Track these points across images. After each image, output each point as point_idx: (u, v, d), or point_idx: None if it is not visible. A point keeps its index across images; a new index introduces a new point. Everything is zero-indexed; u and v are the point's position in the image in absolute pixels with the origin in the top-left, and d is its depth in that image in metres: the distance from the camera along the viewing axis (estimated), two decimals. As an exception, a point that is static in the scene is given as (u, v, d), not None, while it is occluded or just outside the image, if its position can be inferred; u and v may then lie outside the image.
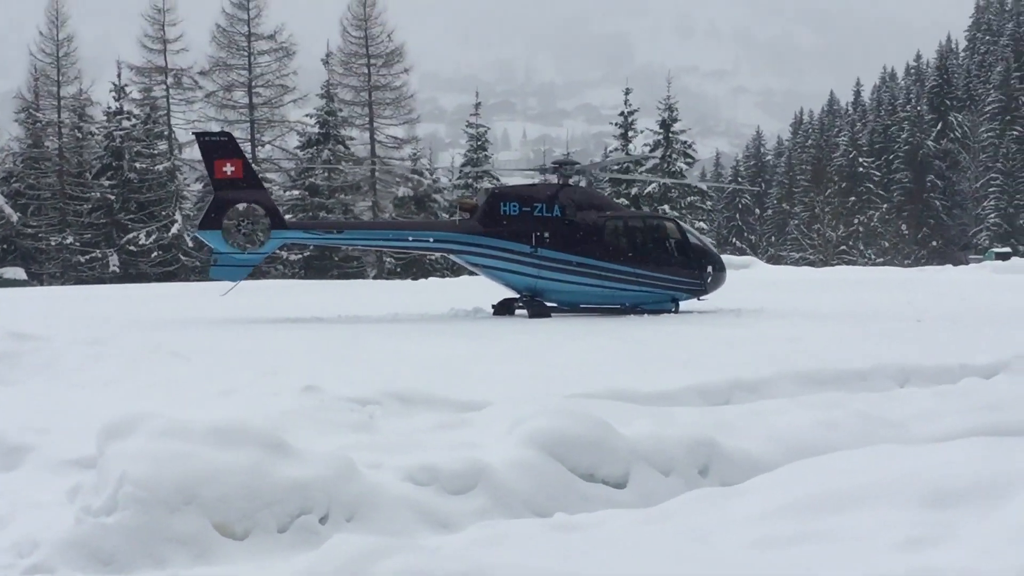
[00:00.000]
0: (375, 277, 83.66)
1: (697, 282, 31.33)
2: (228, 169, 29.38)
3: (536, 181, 33.59)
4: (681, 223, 32.83)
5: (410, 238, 31.31)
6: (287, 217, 40.76)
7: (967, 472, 6.49)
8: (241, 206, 30.05)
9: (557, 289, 30.74)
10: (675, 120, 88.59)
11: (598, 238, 30.86)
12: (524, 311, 30.74)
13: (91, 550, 7.73)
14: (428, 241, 31.18)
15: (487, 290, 36.91)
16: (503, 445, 9.50)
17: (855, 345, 19.51)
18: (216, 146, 29.84)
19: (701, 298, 31.83)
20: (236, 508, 8.07)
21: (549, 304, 30.77)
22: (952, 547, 5.70)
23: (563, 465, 9.35)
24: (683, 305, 31.60)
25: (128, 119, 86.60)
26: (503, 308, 31.14)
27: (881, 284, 47.38)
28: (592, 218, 30.99)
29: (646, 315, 29.96)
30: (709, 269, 31.51)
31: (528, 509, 8.92)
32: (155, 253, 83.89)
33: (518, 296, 31.07)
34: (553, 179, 32.45)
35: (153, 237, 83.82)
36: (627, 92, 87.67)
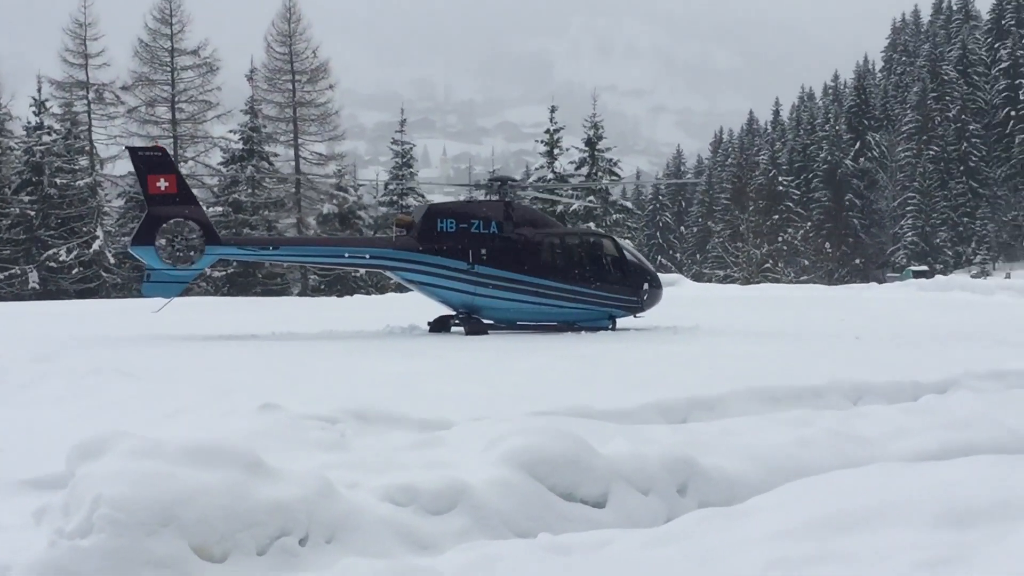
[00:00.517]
0: (299, 294, 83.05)
1: (634, 299, 31.29)
2: (162, 184, 28.97)
3: (463, 198, 33.37)
4: (618, 239, 32.79)
5: (346, 255, 31.05)
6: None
7: (981, 491, 6.40)
8: (174, 221, 29.61)
9: (494, 306, 30.58)
10: (600, 138, 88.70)
11: (536, 255, 30.75)
12: (460, 328, 30.56)
13: (66, 574, 7.43)
14: (364, 258, 30.93)
15: (417, 306, 36.78)
16: (481, 464, 9.30)
17: (803, 363, 19.53)
18: (149, 161, 29.40)
19: (638, 315, 31.78)
20: (215, 530, 7.81)
21: (486, 321, 30.61)
22: (974, 568, 5.59)
23: (543, 484, 9.17)
24: (619, 322, 31.54)
25: (48, 134, 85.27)
26: (439, 325, 30.95)
27: (809, 302, 47.69)
28: (529, 235, 30.87)
29: (583, 332, 29.91)
30: (645, 286, 31.49)
31: (509, 529, 8.73)
32: (76, 269, 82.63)
33: (454, 313, 30.87)
34: (483, 195, 32.38)
35: (74, 253, 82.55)
36: (552, 110, 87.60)
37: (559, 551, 6.94)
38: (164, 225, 29.25)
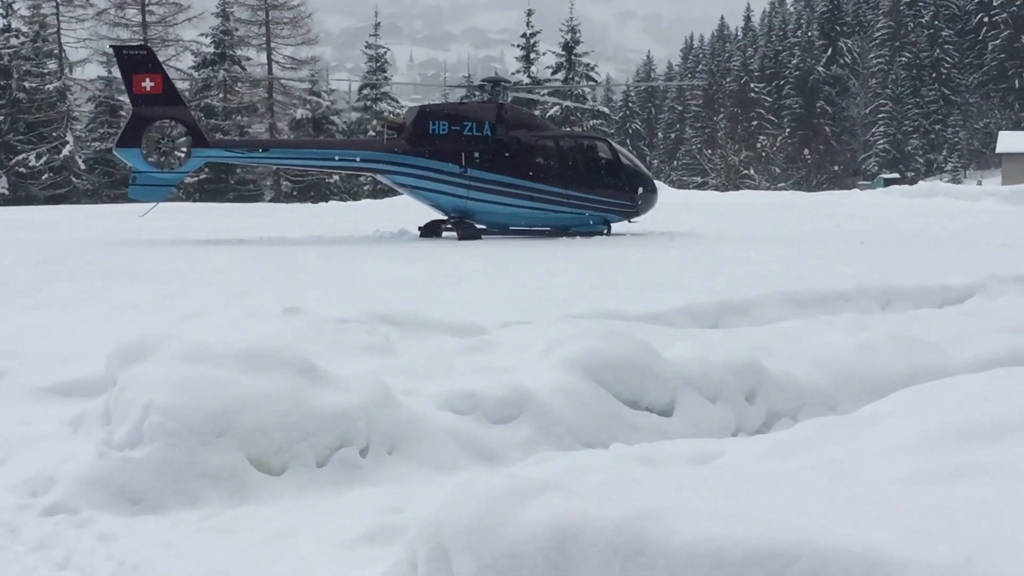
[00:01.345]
0: (272, 200, 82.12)
1: (629, 204, 30.76)
2: (147, 84, 28.15)
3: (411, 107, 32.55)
4: (613, 143, 32.17)
5: (336, 157, 30.40)
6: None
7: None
8: (161, 123, 28.88)
9: (487, 211, 30.01)
10: (578, 42, 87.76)
11: (530, 158, 30.15)
12: (452, 233, 30.02)
13: (117, 487, 6.90)
14: (355, 160, 30.24)
15: (396, 212, 36.29)
16: (542, 369, 8.76)
17: (820, 268, 19.09)
18: (134, 60, 28.53)
19: (633, 220, 31.27)
20: (273, 440, 7.31)
21: (478, 226, 30.06)
22: None
23: (608, 391, 8.68)
24: (614, 227, 31.01)
25: (16, 37, 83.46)
26: (430, 230, 30.37)
27: (795, 208, 47.23)
28: (524, 138, 30.24)
29: (578, 237, 29.39)
30: (641, 190, 30.95)
31: (575, 439, 8.25)
32: (46, 175, 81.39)
33: (446, 217, 30.30)
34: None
35: (44, 159, 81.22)
36: (529, 13, 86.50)
37: (652, 463, 6.44)
38: (150, 126, 28.52)
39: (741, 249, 23.62)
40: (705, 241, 27.14)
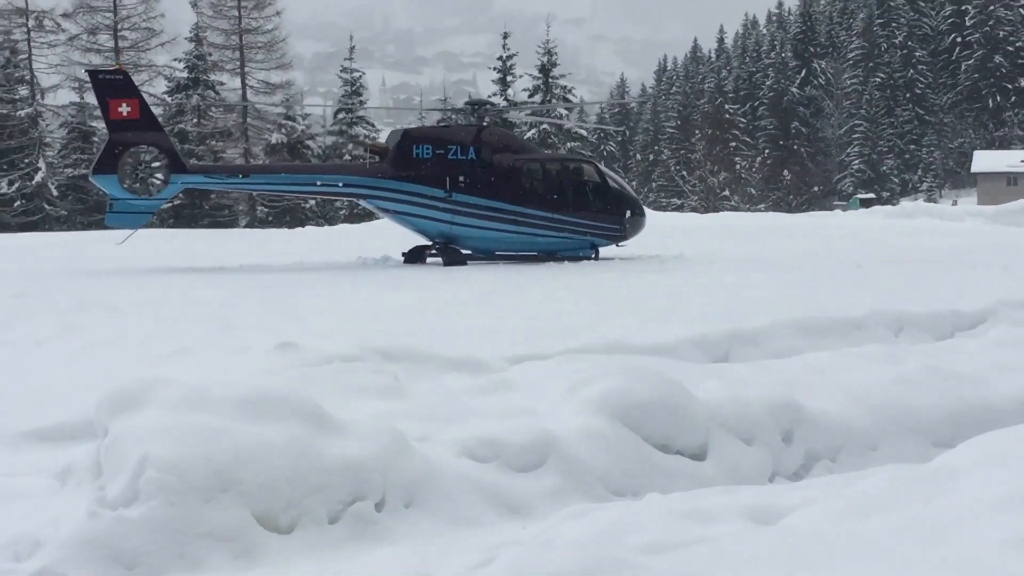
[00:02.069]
0: (247, 225, 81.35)
1: (616, 227, 30.18)
2: (124, 109, 27.45)
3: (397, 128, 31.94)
4: (600, 165, 31.60)
5: (318, 182, 29.74)
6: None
7: None
8: (138, 148, 28.14)
9: (473, 236, 29.39)
10: (554, 64, 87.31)
11: (516, 182, 29.56)
12: (437, 259, 29.41)
13: (111, 551, 6.20)
14: (337, 186, 29.56)
15: (375, 238, 35.68)
16: (568, 412, 8.09)
17: (824, 292, 18.52)
18: (110, 84, 27.84)
19: (620, 244, 30.70)
20: (280, 495, 6.63)
21: (464, 251, 29.44)
22: None
23: (637, 434, 8.02)
24: (601, 252, 30.43)
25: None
26: (414, 255, 29.72)
27: (779, 230, 46.69)
28: (509, 161, 29.64)
29: (566, 262, 28.80)
30: (628, 214, 30.37)
31: (606, 487, 7.62)
32: (17, 202, 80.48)
33: (431, 243, 29.68)
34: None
35: (15, 186, 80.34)
36: (505, 36, 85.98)
37: (702, 519, 5.82)
38: (127, 152, 27.80)
39: (736, 273, 23.07)
40: (697, 265, 26.56)
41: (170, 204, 78.81)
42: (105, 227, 30.60)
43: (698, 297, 17.83)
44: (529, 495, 7.37)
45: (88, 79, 29.78)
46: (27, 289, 17.44)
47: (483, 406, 8.42)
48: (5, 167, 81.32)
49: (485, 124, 30.57)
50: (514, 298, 18.15)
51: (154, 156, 27.90)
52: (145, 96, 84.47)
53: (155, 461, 6.41)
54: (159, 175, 27.84)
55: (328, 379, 8.99)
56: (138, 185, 27.73)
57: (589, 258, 29.82)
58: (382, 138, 34.11)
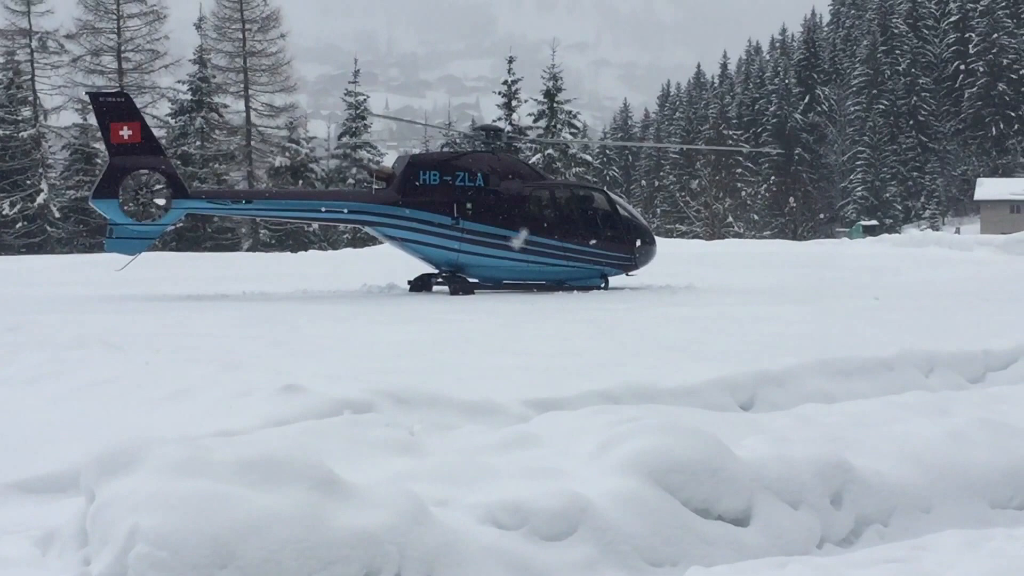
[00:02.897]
0: (250, 249, 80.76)
1: (627, 256, 29.60)
2: (125, 133, 26.88)
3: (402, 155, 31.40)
4: (609, 193, 31.01)
5: (323, 209, 29.12)
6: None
7: None
8: (139, 173, 27.55)
9: (481, 264, 28.78)
10: (560, 89, 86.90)
11: (524, 209, 28.96)
12: (443, 287, 28.83)
13: (97, 637, 5.59)
14: (342, 212, 28.96)
15: (379, 263, 35.19)
16: (600, 473, 7.38)
17: (846, 327, 17.92)
18: (112, 107, 27.27)
19: (631, 273, 30.10)
20: (286, 571, 5.93)
21: (471, 280, 28.84)
22: None
23: (675, 498, 7.36)
24: (611, 281, 29.85)
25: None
26: (420, 284, 29.13)
27: (788, 258, 46.13)
28: (518, 188, 29.06)
29: (576, 292, 28.22)
30: (639, 243, 29.79)
31: (643, 559, 6.96)
32: (20, 224, 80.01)
33: (437, 272, 29.08)
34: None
35: (17, 207, 79.83)
36: (510, 61, 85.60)
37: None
38: (128, 177, 27.23)
39: (751, 305, 22.48)
40: (709, 296, 25.97)
41: (172, 227, 78.33)
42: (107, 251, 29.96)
43: (716, 332, 17.21)
44: (560, 567, 6.69)
45: (89, 101, 29.12)
46: (22, 320, 16.79)
47: (506, 465, 7.71)
48: (7, 188, 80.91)
49: (493, 150, 30.00)
50: (527, 332, 17.51)
51: (155, 181, 27.19)
52: (148, 118, 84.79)
53: (146, 534, 5.75)
54: (160, 200, 27.12)
55: (338, 433, 8.30)
56: (139, 210, 27.04)
57: (599, 288, 29.24)
58: (386, 162, 33.47)
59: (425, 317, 20.22)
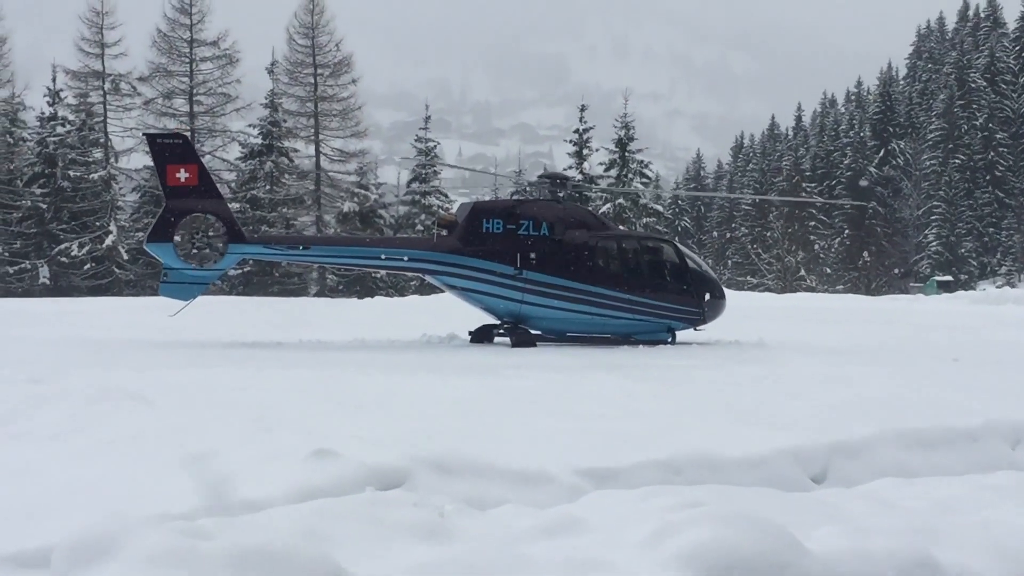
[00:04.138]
0: (317, 294, 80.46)
1: (696, 310, 28.65)
2: (182, 175, 26.34)
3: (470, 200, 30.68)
4: (678, 244, 30.10)
5: (383, 256, 28.43)
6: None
7: None
8: (195, 217, 26.97)
9: (543, 316, 27.96)
10: (632, 138, 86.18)
11: (590, 260, 28.14)
12: (505, 339, 28.02)
13: None
14: (403, 260, 28.28)
15: (445, 311, 34.42)
16: (651, 567, 6.48)
17: (924, 392, 16.86)
18: (169, 149, 26.74)
19: (699, 328, 29.12)
20: None
21: (533, 332, 27.99)
22: None
23: (738, 599, 6.42)
24: (678, 336, 28.92)
25: (62, 125, 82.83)
26: (481, 335, 28.37)
27: (861, 315, 45.01)
28: (583, 238, 28.23)
29: (641, 347, 27.28)
30: (708, 296, 28.85)
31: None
32: (88, 265, 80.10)
33: (499, 322, 28.27)
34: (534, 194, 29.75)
35: (86, 248, 79.97)
36: (582, 109, 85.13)
37: None
38: (183, 220, 26.66)
39: (824, 365, 21.46)
40: (780, 353, 24.95)
41: (239, 271, 78.16)
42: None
43: (786, 395, 16.23)
44: None
45: (146, 143, 28.61)
46: (54, 368, 16.06)
47: (546, 555, 6.77)
48: (77, 229, 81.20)
49: (559, 198, 29.21)
50: (586, 390, 16.62)
51: (212, 225, 26.59)
52: (218, 162, 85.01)
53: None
54: (216, 245, 26.51)
55: (357, 514, 7.38)
56: (194, 255, 26.45)
57: (665, 342, 28.30)
58: (455, 209, 32.77)
59: (481, 371, 19.39)
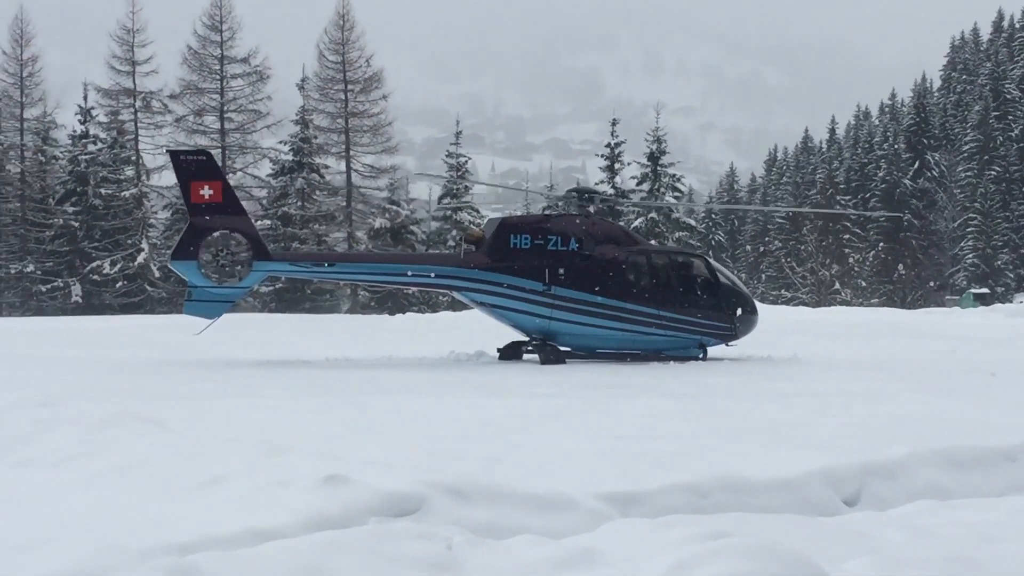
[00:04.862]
0: (349, 311, 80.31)
1: (727, 326, 28.24)
2: (206, 192, 26.14)
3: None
4: (709, 259, 29.70)
5: (409, 273, 28.16)
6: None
7: None
8: (219, 234, 26.69)
9: (573, 332, 27.61)
10: (663, 152, 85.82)
11: (619, 275, 27.78)
12: (534, 355, 27.67)
13: None
14: (429, 276, 27.96)
15: (477, 327, 34.09)
16: None
17: (961, 409, 16.40)
18: (193, 166, 26.53)
19: (731, 344, 28.69)
20: None
21: (563, 348, 27.62)
22: None
23: (760, 637, 6.03)
24: (709, 352, 28.50)
25: (94, 143, 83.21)
26: (510, 352, 28.05)
27: (896, 328, 44.47)
28: (612, 253, 27.87)
29: (672, 363, 26.89)
30: (739, 312, 28.44)
31: None
32: (120, 283, 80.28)
33: (528, 339, 27.92)
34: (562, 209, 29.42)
35: (118, 266, 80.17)
36: (614, 123, 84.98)
37: None
38: (208, 238, 26.41)
39: (858, 381, 21.03)
40: (813, 370, 24.50)
41: (271, 287, 78.09)
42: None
43: (819, 413, 15.80)
44: None
45: (170, 159, 28.47)
46: (60, 396, 15.76)
47: (559, 593, 6.44)
48: (109, 247, 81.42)
49: (588, 213, 28.85)
50: (615, 408, 16.25)
51: (236, 242, 26.34)
52: (249, 178, 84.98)
53: None
54: (240, 262, 26.26)
55: (360, 548, 7.00)
56: (218, 272, 26.16)
57: (696, 358, 27.89)
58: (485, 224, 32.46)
59: (508, 390, 19.06)
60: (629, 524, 8.12)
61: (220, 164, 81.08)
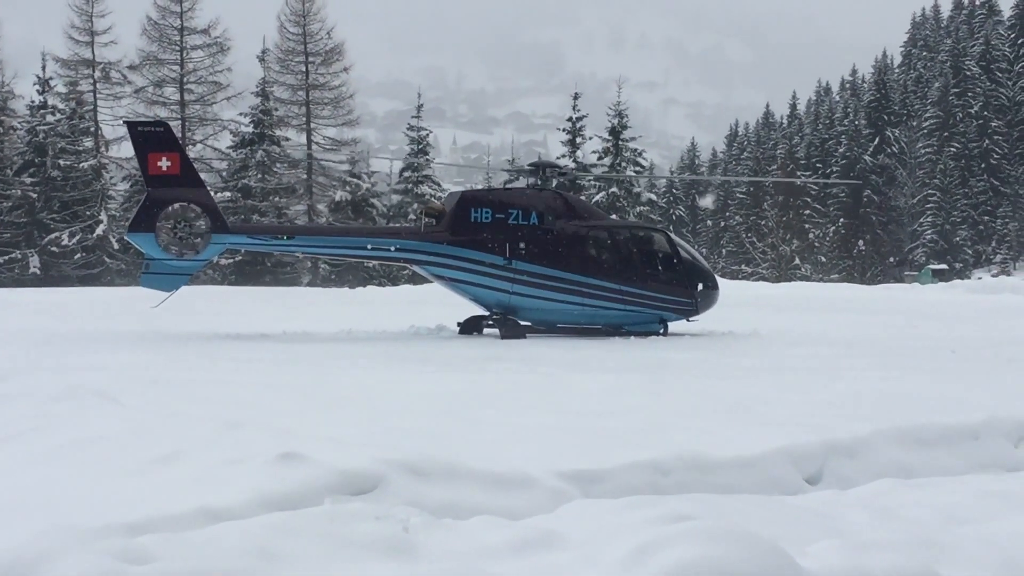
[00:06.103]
0: (309, 284, 79.97)
1: (688, 301, 28.15)
2: (164, 164, 25.86)
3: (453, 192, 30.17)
4: (670, 234, 29.60)
5: (369, 246, 27.93)
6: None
7: None
8: (177, 206, 26.36)
9: (533, 307, 27.49)
10: (625, 127, 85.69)
11: (581, 250, 27.67)
12: (494, 330, 27.53)
13: None
14: (389, 250, 27.75)
15: (437, 301, 33.98)
16: None
17: (923, 386, 16.33)
18: (150, 137, 26.24)
19: (692, 319, 28.62)
20: None
21: (523, 323, 27.49)
22: None
23: (725, 622, 5.86)
24: (670, 326, 28.41)
25: (52, 114, 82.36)
26: (470, 326, 27.93)
27: (856, 304, 44.51)
28: (574, 228, 27.73)
29: (632, 338, 26.81)
30: (700, 286, 28.35)
31: None
32: (78, 255, 79.69)
33: (488, 313, 27.78)
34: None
35: (77, 238, 79.55)
36: (576, 97, 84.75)
37: None
38: (165, 210, 26.11)
39: (819, 358, 20.96)
40: (774, 345, 24.47)
41: (231, 259, 77.65)
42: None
43: (781, 389, 15.71)
44: None
45: (127, 131, 28.17)
46: (10, 369, 15.50)
47: (516, 574, 6.25)
48: (68, 219, 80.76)
49: (549, 187, 28.68)
50: (575, 383, 16.11)
51: (194, 214, 26.03)
52: (209, 150, 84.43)
53: None
54: (199, 234, 25.95)
55: (313, 530, 6.78)
56: (176, 245, 25.85)
57: (657, 334, 27.81)
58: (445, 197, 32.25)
59: (467, 364, 18.91)
60: (590, 504, 7.95)
61: (180, 136, 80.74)
